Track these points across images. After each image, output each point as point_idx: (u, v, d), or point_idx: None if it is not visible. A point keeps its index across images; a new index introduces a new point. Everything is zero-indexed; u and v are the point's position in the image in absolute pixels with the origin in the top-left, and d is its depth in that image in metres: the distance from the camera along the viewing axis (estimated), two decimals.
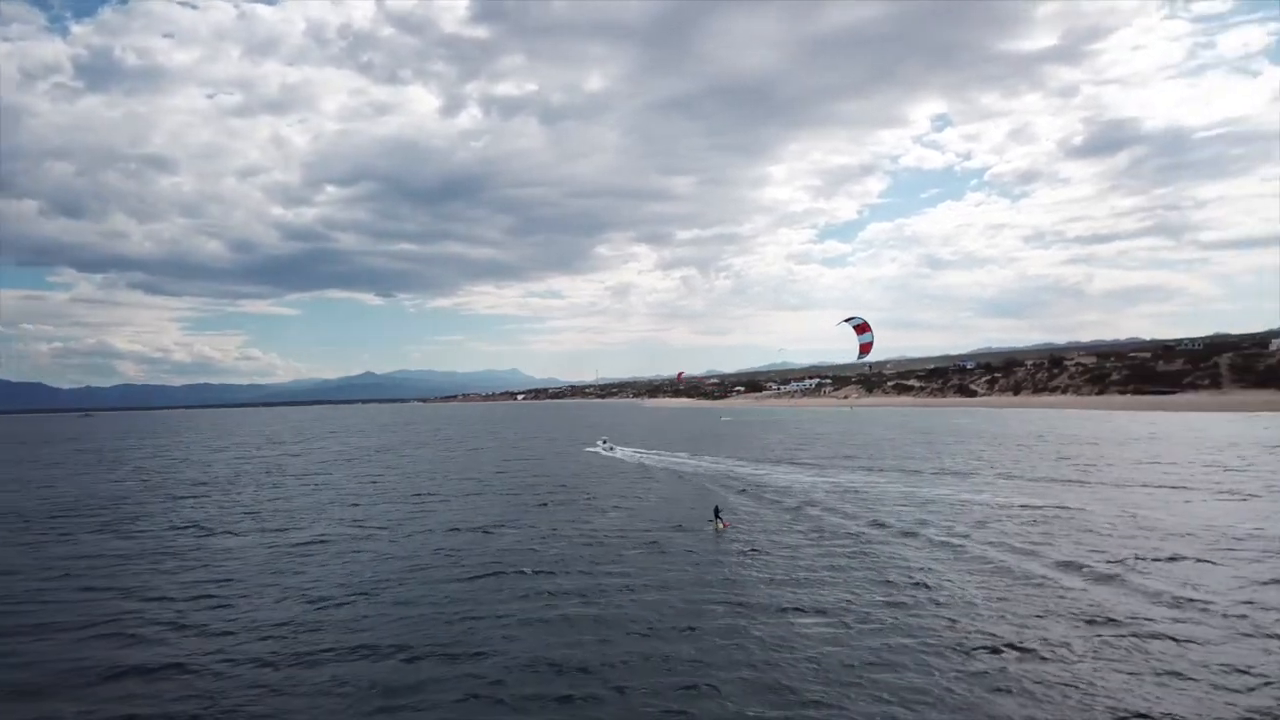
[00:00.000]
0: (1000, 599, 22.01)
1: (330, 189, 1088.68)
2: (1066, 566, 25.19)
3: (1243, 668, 16.63)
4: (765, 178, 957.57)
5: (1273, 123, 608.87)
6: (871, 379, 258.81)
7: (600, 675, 17.23)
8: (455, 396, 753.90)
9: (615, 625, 20.64)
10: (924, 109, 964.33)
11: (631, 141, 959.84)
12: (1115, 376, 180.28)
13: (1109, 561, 25.61)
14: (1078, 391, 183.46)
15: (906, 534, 31.28)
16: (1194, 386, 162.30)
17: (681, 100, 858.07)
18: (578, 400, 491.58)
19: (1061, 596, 22.09)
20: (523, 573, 26.46)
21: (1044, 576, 24.14)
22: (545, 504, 42.22)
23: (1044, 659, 17.44)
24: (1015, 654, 17.80)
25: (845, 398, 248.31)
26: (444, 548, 31.26)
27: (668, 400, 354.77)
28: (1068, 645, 18.26)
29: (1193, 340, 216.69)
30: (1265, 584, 22.85)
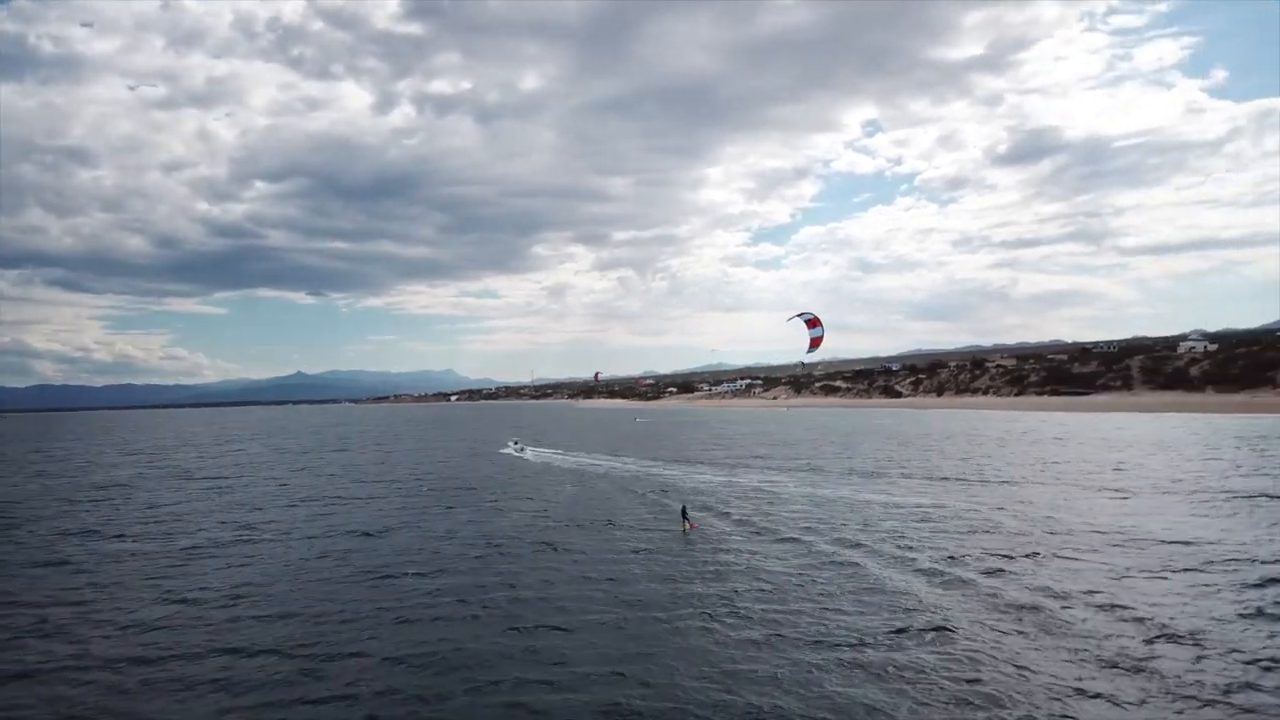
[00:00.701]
0: (859, 596, 22.33)
1: (259, 185, 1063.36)
2: (936, 564, 25.57)
3: (1052, 665, 16.97)
4: (702, 180, 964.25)
5: (1186, 134, 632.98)
6: (800, 380, 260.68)
7: (460, 673, 17.12)
8: (387, 397, 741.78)
9: (488, 624, 20.44)
10: (856, 114, 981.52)
11: (568, 142, 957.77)
12: (1033, 378, 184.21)
13: (972, 559, 26.08)
14: (998, 392, 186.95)
15: (792, 534, 31.20)
16: (1107, 388, 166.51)
17: (618, 101, 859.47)
18: (512, 401, 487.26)
19: (909, 594, 22.38)
20: (406, 574, 26.03)
21: (905, 577, 24.47)
22: (452, 506, 41.59)
23: (869, 656, 17.71)
24: (859, 649, 18.05)
25: (774, 398, 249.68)
26: (335, 550, 30.56)
27: (602, 401, 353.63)
28: (894, 643, 18.56)
29: (1108, 343, 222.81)
30: (1118, 578, 23.43)
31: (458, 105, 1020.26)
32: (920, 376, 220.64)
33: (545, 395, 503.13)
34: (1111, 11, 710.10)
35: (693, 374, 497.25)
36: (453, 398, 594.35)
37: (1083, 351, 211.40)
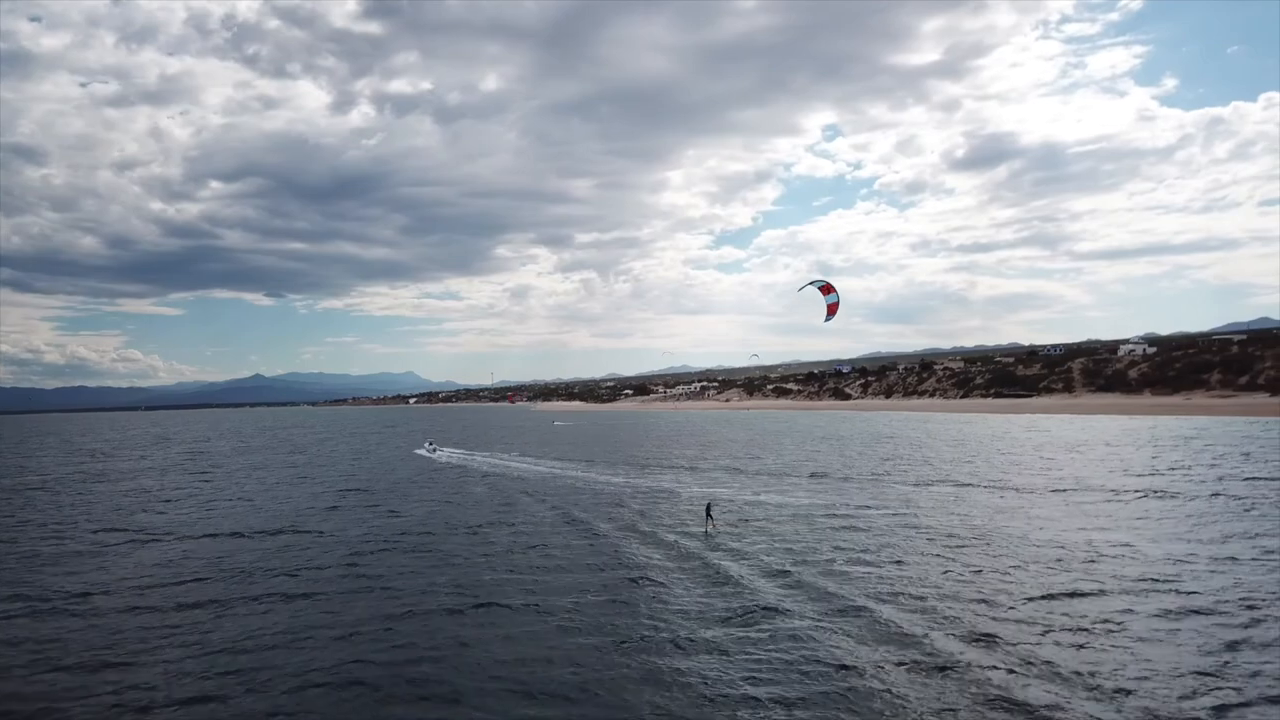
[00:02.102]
0: (703, 595, 22.25)
1: (215, 184, 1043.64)
2: (791, 564, 25.63)
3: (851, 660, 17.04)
4: (663, 183, 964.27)
5: (1138, 141, 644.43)
6: (754, 383, 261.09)
7: (260, 672, 16.62)
8: (345, 400, 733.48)
9: (319, 627, 19.91)
10: (816, 119, 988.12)
11: (529, 143, 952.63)
12: (979, 381, 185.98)
13: (819, 559, 26.29)
14: (944, 395, 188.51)
15: (660, 534, 31.31)
16: (1049, 390, 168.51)
17: (579, 103, 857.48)
18: (470, 404, 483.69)
19: (746, 594, 22.36)
20: (270, 574, 25.64)
21: (749, 576, 24.47)
22: (336, 506, 41.17)
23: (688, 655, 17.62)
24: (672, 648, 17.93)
25: (727, 401, 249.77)
26: (195, 553, 29.92)
27: (562, 404, 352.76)
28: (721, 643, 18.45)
29: (1053, 346, 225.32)
30: (962, 579, 23.68)
31: (418, 105, 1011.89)
32: (870, 379, 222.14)
33: (505, 398, 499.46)
34: (1065, 19, 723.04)
35: (656, 376, 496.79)
36: (411, 400, 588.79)
37: (1031, 354, 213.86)
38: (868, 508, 36.01)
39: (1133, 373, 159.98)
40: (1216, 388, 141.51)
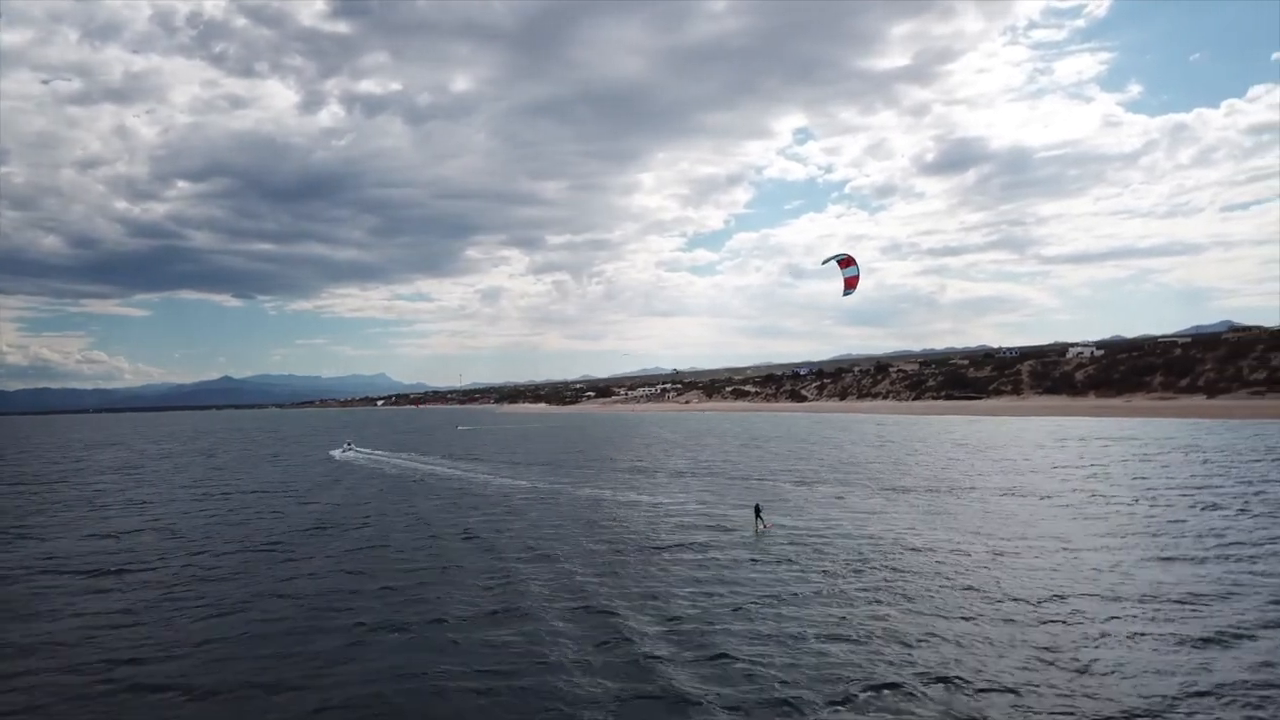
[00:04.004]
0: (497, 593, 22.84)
1: (181, 184, 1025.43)
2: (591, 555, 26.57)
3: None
4: (635, 185, 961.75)
5: (1103, 146, 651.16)
6: (714, 384, 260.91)
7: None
8: (313, 402, 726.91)
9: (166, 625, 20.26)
10: (787, 122, 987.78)
11: (500, 144, 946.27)
12: (931, 383, 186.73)
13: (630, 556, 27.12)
14: (898, 396, 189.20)
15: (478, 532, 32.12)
16: (998, 392, 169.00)
17: (550, 105, 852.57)
18: (437, 406, 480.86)
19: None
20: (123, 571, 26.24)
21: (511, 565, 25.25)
22: (233, 509, 41.44)
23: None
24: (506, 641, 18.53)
25: (687, 403, 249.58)
26: (77, 552, 30.14)
27: (528, 405, 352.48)
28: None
29: (1010, 349, 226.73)
30: (810, 594, 24.27)
31: (387, 106, 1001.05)
32: (826, 381, 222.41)
33: (473, 399, 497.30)
34: (1032, 25, 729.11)
35: (628, 378, 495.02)
36: (379, 402, 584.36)
37: (985, 357, 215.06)
38: (704, 504, 37.12)
39: (1079, 375, 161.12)
40: (1158, 390, 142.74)
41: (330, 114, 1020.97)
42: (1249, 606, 19.09)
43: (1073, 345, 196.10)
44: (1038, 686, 14.67)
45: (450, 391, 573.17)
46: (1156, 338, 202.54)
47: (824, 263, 40.12)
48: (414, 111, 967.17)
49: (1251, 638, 16.94)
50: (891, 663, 16.03)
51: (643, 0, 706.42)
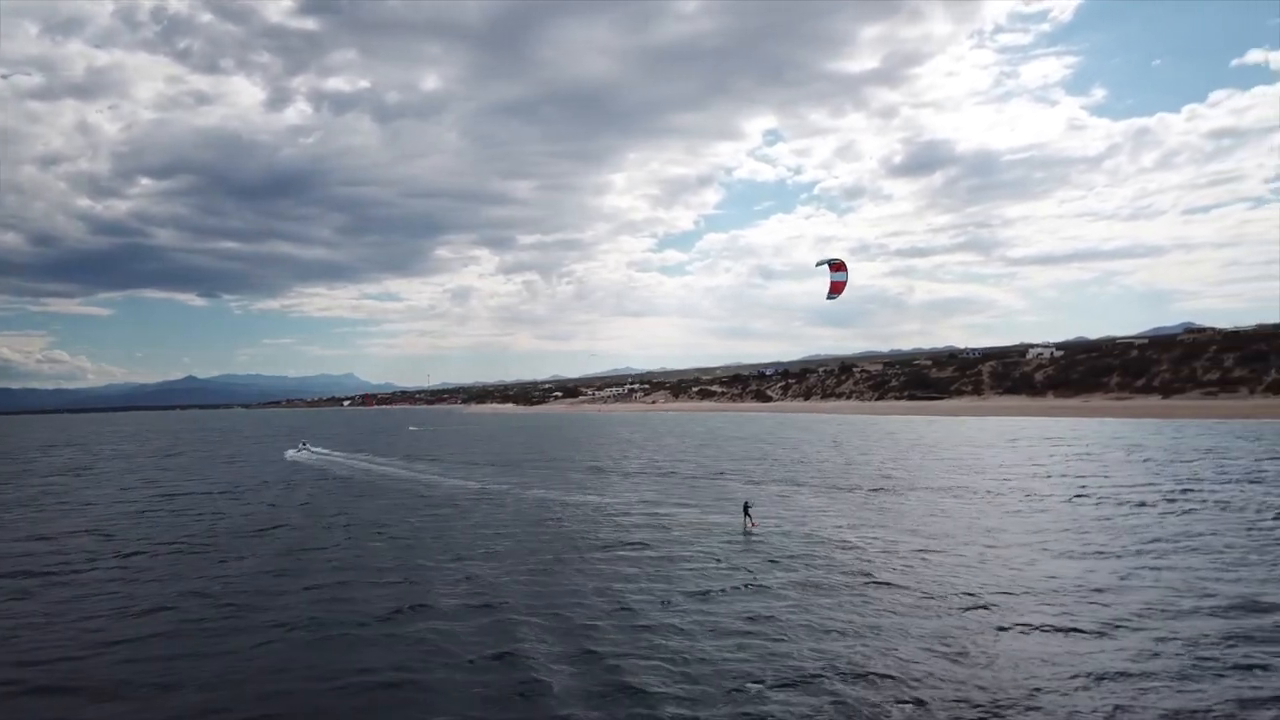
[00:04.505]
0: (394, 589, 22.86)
1: (145, 181, 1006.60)
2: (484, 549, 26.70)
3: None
4: (606, 185, 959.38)
5: (1068, 150, 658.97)
6: (680, 385, 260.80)
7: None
8: (279, 402, 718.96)
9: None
10: (757, 123, 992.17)
11: (470, 144, 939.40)
12: (894, 383, 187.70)
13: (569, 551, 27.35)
14: (861, 397, 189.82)
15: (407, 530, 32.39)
16: (959, 392, 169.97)
17: (520, 105, 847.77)
18: (404, 406, 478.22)
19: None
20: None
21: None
22: (174, 510, 40.93)
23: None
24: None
25: (654, 403, 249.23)
26: (9, 554, 29.79)
27: (496, 406, 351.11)
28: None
29: (972, 350, 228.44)
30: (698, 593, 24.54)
31: (356, 104, 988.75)
32: (790, 382, 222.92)
33: (441, 400, 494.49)
34: (999, 30, 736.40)
35: (598, 378, 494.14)
36: (345, 403, 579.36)
37: (949, 357, 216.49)
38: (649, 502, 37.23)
39: (1038, 376, 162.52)
40: (1115, 390, 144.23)
41: (297, 111, 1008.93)
42: (1144, 599, 19.49)
43: (1033, 346, 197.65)
44: (922, 678, 14.95)
45: (418, 392, 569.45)
46: (1118, 339, 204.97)
47: (818, 265, 39.83)
48: (383, 110, 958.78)
49: (1138, 629, 17.34)
50: (789, 656, 16.32)
51: (612, 0, 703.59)
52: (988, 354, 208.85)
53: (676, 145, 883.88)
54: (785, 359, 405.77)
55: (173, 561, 27.51)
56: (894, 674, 15.14)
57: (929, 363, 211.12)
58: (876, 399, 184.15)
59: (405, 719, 14.18)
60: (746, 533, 29.75)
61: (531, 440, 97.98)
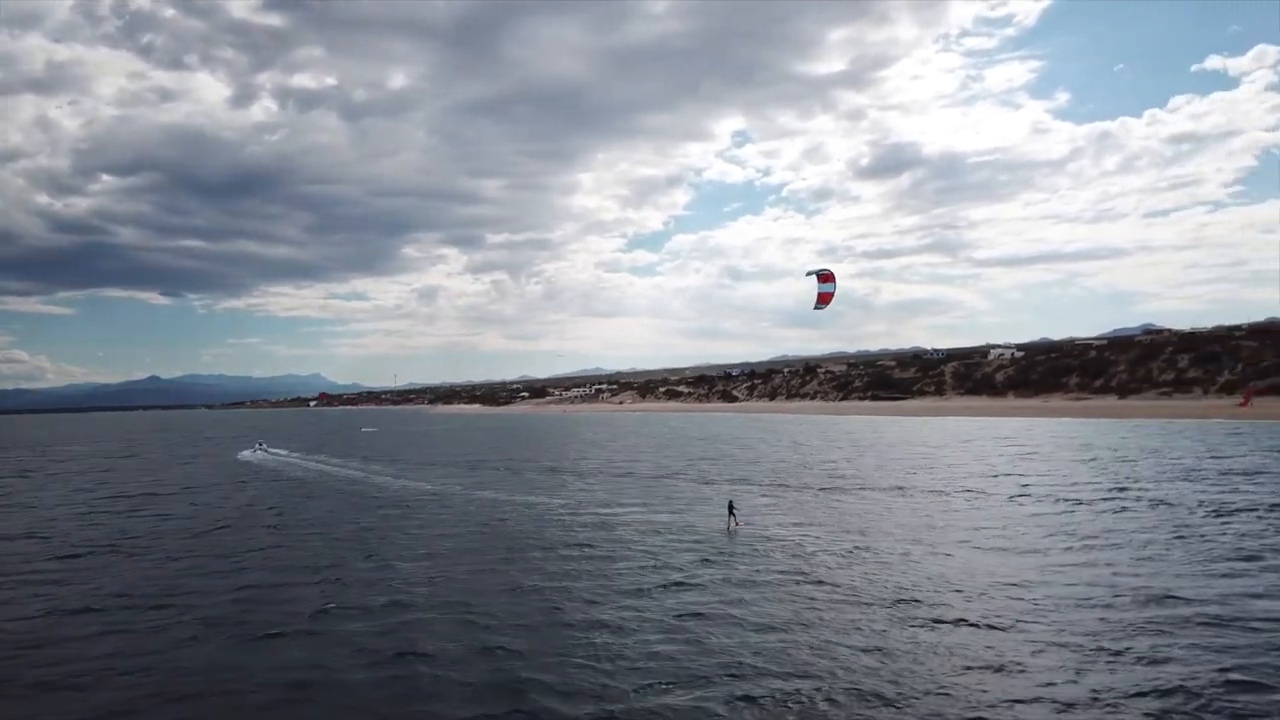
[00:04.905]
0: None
1: (106, 178, 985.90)
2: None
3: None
4: (575, 185, 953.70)
5: (1032, 153, 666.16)
6: (648, 385, 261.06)
7: None
8: (244, 403, 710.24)
9: None
10: (726, 124, 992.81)
11: (438, 142, 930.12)
12: (858, 383, 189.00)
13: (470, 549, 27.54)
14: (825, 397, 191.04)
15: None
16: (922, 392, 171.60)
17: (489, 103, 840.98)
18: (369, 406, 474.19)
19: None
20: None
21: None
22: (119, 512, 40.56)
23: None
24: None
25: (621, 403, 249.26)
26: None
27: (462, 406, 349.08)
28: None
29: (936, 350, 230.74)
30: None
31: (322, 101, 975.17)
32: (756, 382, 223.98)
33: (408, 400, 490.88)
34: (964, 34, 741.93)
35: (566, 379, 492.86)
36: (311, 403, 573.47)
37: (914, 358, 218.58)
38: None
39: (999, 376, 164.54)
40: (1074, 390, 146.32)
41: (263, 108, 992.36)
42: (1060, 594, 20.01)
43: (995, 347, 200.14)
44: (834, 672, 15.27)
45: (385, 392, 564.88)
46: (1081, 340, 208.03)
47: (808, 274, 39.97)
48: (349, 107, 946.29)
49: (1049, 622, 17.76)
50: (710, 652, 16.57)
51: (582, 0, 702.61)
52: (951, 354, 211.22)
53: (646, 146, 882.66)
54: (754, 359, 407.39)
55: (109, 563, 27.31)
56: (807, 668, 15.42)
57: (892, 363, 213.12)
58: (840, 399, 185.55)
59: (310, 717, 14.25)
60: (730, 532, 29.78)
61: (492, 441, 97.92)
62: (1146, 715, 13.03)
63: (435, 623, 19.16)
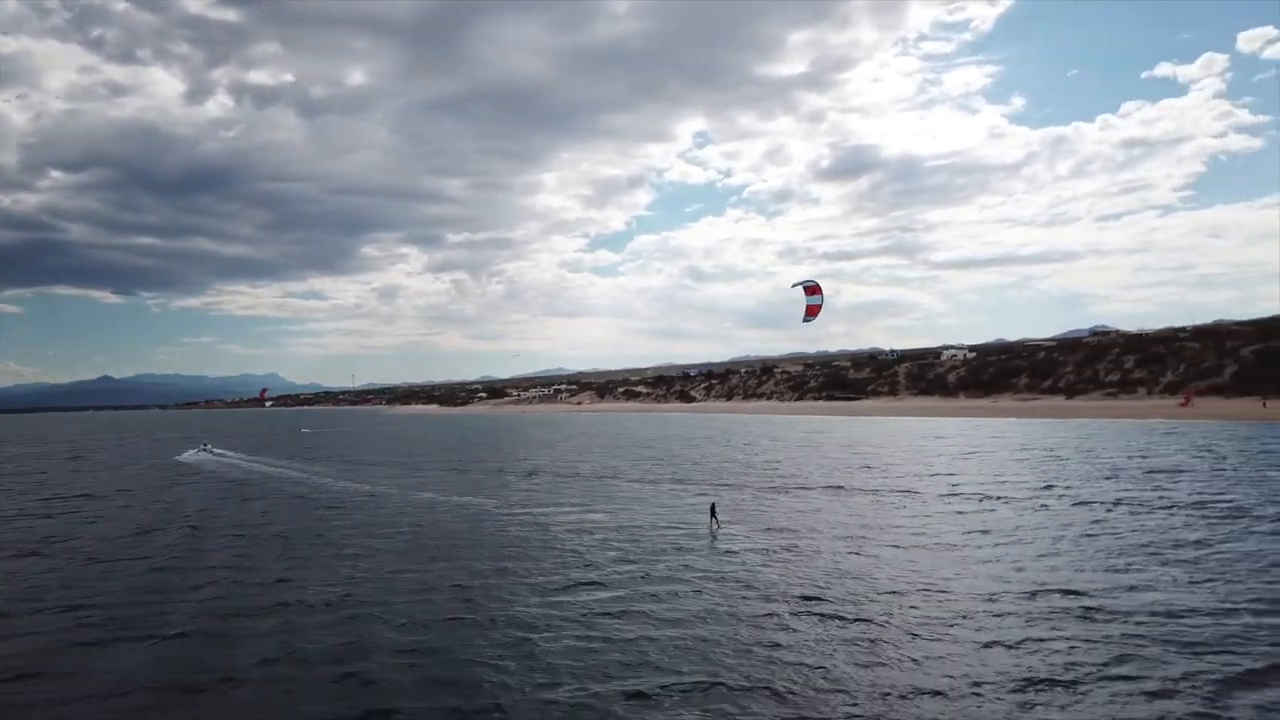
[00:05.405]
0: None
1: (55, 174, 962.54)
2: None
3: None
4: (537, 185, 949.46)
5: (988, 157, 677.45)
6: (607, 385, 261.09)
7: None
8: (198, 403, 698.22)
9: None
10: (687, 125, 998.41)
11: (399, 140, 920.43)
12: (813, 383, 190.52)
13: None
14: (781, 397, 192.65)
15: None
16: (876, 393, 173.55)
17: (450, 102, 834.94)
18: (327, 407, 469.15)
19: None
20: None
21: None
22: (44, 515, 39.86)
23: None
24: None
25: (579, 404, 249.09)
26: None
27: (420, 406, 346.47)
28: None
29: (892, 351, 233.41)
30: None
31: (280, 98, 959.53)
32: (714, 382, 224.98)
33: (365, 400, 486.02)
34: (923, 38, 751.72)
35: (527, 379, 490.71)
36: (268, 403, 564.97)
37: (869, 358, 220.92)
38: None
39: (951, 377, 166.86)
40: (1024, 390, 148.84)
41: (218, 104, 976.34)
42: (966, 588, 20.60)
43: (949, 348, 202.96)
44: (718, 670, 15.56)
45: (343, 392, 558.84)
46: (1033, 341, 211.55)
47: (793, 285, 40.08)
48: (307, 104, 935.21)
49: (939, 617, 18.28)
50: (605, 649, 16.81)
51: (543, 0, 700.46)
52: (905, 355, 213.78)
53: (608, 146, 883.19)
54: (715, 359, 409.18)
55: (7, 572, 26.64)
56: (707, 663, 15.77)
57: (848, 364, 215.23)
58: (796, 399, 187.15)
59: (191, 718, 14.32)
60: (712, 533, 29.77)
61: (443, 442, 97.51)
62: (1021, 705, 13.46)
63: (339, 622, 19.18)
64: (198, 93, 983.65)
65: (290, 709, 14.30)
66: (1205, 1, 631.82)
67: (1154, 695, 13.68)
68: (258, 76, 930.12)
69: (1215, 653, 15.44)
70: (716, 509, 31.43)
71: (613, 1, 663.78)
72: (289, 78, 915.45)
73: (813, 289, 38.45)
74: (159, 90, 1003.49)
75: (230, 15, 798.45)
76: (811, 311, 38.12)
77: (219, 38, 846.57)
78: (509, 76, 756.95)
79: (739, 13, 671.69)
